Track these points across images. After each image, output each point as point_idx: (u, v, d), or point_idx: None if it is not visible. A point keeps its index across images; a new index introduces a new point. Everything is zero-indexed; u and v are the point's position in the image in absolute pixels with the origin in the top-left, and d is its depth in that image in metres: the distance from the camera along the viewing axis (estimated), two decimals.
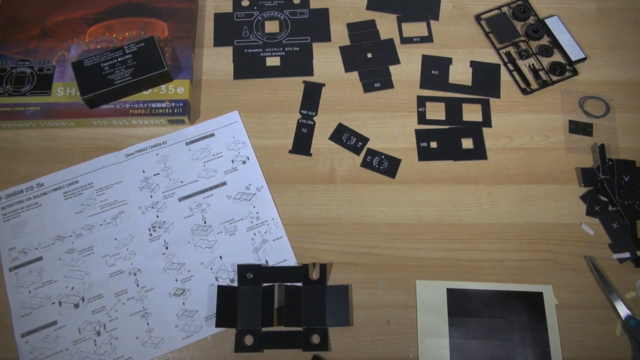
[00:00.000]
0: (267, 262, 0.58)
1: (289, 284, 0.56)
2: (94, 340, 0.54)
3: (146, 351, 0.54)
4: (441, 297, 0.56)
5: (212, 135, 0.64)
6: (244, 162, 0.62)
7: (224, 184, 0.61)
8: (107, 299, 0.56)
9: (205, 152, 0.63)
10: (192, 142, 0.63)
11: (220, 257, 0.58)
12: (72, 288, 0.56)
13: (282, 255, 0.58)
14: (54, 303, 0.55)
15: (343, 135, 0.64)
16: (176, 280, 0.57)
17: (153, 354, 0.54)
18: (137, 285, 0.56)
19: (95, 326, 0.55)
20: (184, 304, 0.56)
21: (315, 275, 0.56)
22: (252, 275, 0.56)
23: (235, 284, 0.56)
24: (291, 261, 0.58)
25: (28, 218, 0.59)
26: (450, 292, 0.56)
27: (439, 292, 0.56)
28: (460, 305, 0.56)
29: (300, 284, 0.56)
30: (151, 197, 0.60)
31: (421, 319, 0.55)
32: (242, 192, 0.61)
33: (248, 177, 0.62)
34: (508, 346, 0.54)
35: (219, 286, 0.55)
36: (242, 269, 0.56)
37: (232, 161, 0.63)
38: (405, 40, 0.69)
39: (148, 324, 0.55)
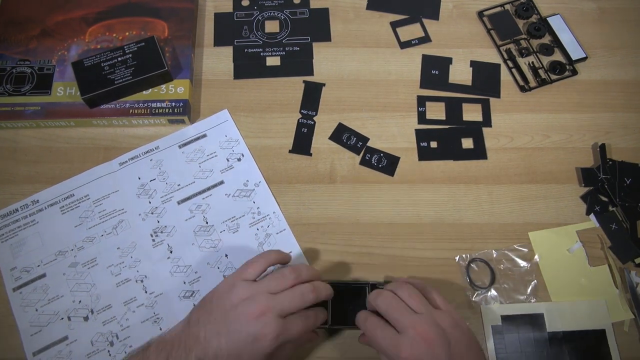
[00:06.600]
0: None
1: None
2: (108, 351, 0.54)
3: None
4: None
5: (204, 136, 0.64)
6: (239, 160, 0.62)
7: (222, 182, 0.61)
8: (117, 309, 0.55)
9: (199, 153, 0.63)
10: (185, 144, 0.63)
11: (226, 255, 0.58)
12: (80, 301, 0.55)
13: (287, 247, 0.58)
14: (62, 318, 0.55)
15: (343, 135, 0.64)
16: (184, 283, 0.57)
17: None
18: (146, 292, 0.56)
19: (108, 337, 0.54)
20: (194, 305, 0.55)
21: None
22: None
23: None
24: (297, 253, 0.58)
25: (26, 236, 0.58)
26: None
27: None
28: None
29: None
30: (149, 203, 0.60)
31: None
32: (241, 189, 0.61)
33: (245, 173, 0.62)
34: None
35: None
36: None
37: (227, 159, 0.62)
38: (404, 45, 0.69)
39: (161, 329, 0.55)
